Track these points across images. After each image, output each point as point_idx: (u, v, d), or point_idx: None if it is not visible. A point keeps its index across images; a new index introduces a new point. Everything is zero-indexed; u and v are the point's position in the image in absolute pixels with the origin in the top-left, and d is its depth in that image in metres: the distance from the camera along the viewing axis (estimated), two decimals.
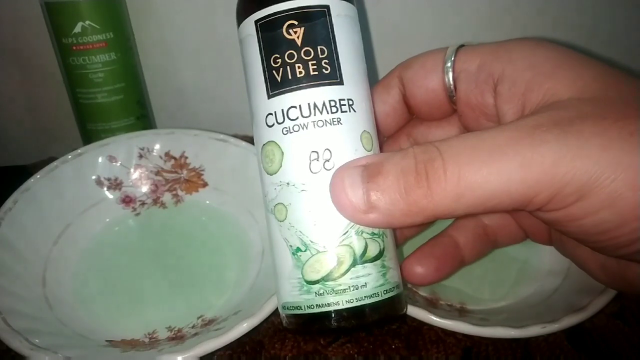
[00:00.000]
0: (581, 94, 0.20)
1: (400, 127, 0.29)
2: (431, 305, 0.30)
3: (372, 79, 0.26)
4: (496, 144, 0.19)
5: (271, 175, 0.23)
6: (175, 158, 0.38)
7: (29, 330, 0.27)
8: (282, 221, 0.23)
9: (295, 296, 0.23)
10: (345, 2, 0.24)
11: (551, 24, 0.45)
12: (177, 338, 0.29)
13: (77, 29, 0.38)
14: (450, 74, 0.25)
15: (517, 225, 0.29)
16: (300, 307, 0.23)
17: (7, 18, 0.44)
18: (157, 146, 0.38)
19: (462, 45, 0.25)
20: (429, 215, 0.20)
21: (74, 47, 0.38)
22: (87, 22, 0.38)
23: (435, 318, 0.26)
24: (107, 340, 0.29)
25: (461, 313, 0.29)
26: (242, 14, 0.24)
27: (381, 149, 0.26)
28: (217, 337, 0.26)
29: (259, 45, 0.23)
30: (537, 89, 0.21)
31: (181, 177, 0.38)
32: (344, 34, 0.24)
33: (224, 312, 0.30)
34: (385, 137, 0.30)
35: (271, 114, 0.23)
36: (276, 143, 0.23)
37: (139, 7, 0.43)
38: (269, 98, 0.23)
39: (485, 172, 0.18)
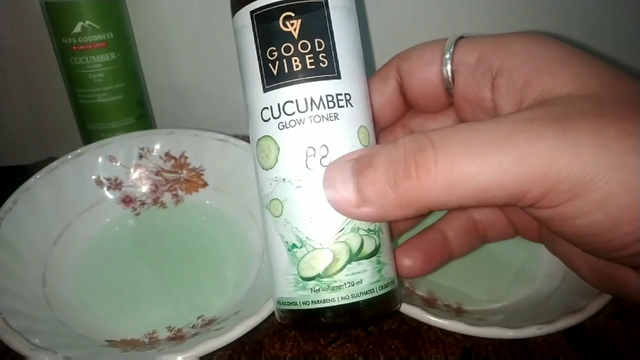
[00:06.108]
0: (580, 91, 0.19)
1: (397, 119, 0.29)
2: (428, 305, 0.30)
3: (370, 72, 0.25)
4: (491, 135, 0.18)
5: (267, 170, 0.23)
6: (175, 158, 0.38)
7: (29, 330, 0.27)
8: (278, 217, 0.23)
9: (290, 292, 0.23)
10: None
11: (551, 19, 0.44)
12: (177, 338, 0.29)
13: (77, 29, 0.38)
14: (449, 66, 0.24)
15: (508, 221, 0.29)
16: (296, 303, 0.23)
17: (7, 18, 0.44)
18: (157, 146, 0.38)
19: (461, 37, 0.25)
20: (421, 206, 0.19)
21: (74, 47, 0.38)
22: (87, 22, 0.38)
23: (432, 317, 0.26)
24: (107, 340, 0.29)
25: (458, 313, 0.29)
26: (237, 3, 0.24)
27: (377, 142, 0.26)
28: (217, 337, 0.26)
29: (255, 37, 0.23)
30: (535, 83, 0.21)
31: (181, 177, 0.38)
32: (342, 26, 0.23)
33: (224, 312, 0.30)
34: (380, 130, 0.29)
35: (267, 108, 0.23)
36: (272, 138, 0.23)
37: (139, 7, 0.43)
38: (264, 92, 0.23)
39: (479, 163, 0.18)
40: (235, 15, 0.24)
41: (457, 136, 0.19)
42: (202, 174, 0.38)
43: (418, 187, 0.19)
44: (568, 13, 0.44)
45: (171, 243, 0.36)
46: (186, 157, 0.38)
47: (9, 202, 0.33)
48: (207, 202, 0.38)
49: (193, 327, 0.30)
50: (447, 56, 0.24)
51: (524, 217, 0.27)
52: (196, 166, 0.38)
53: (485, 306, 0.30)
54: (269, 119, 0.23)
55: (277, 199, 0.23)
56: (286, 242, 0.23)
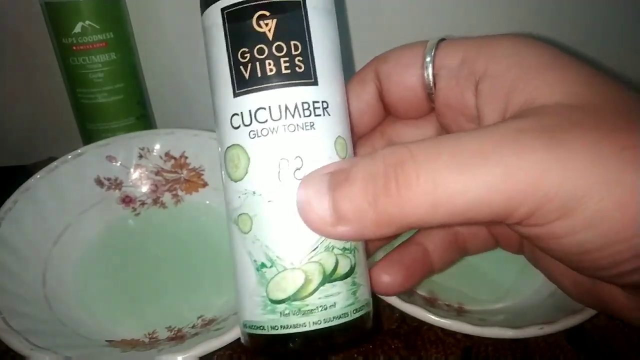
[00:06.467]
0: (569, 99, 0.18)
1: (376, 126, 0.27)
2: (429, 304, 0.30)
3: (349, 78, 0.24)
4: (477, 147, 0.17)
5: (235, 182, 0.21)
6: (175, 158, 0.38)
7: (29, 330, 0.27)
8: (247, 233, 0.21)
9: (258, 315, 0.21)
10: None
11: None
12: (177, 338, 0.29)
13: (77, 29, 0.38)
14: (430, 70, 0.23)
15: (489, 233, 0.27)
16: (263, 327, 0.21)
17: (7, 18, 0.44)
18: (157, 146, 0.38)
19: (442, 39, 0.23)
20: (403, 225, 0.18)
21: (74, 47, 0.38)
22: (87, 22, 0.38)
23: (434, 317, 0.26)
24: (107, 340, 0.29)
25: (459, 313, 0.29)
26: None
27: (355, 152, 0.24)
28: (217, 337, 0.26)
29: (225, 37, 0.21)
30: (520, 89, 0.19)
31: (181, 177, 0.38)
32: (320, 28, 0.21)
33: (224, 312, 0.30)
34: (358, 138, 0.27)
35: (237, 114, 0.21)
36: (242, 147, 0.21)
37: (139, 7, 0.43)
38: (234, 97, 0.21)
39: (464, 179, 0.16)
40: (205, 12, 0.22)
41: (439, 148, 0.17)
42: (202, 174, 0.38)
43: (398, 205, 0.17)
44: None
45: (171, 243, 0.36)
46: (186, 157, 0.38)
47: (9, 202, 0.33)
48: (207, 202, 0.38)
49: (193, 327, 0.30)
50: (429, 59, 0.23)
51: (505, 230, 0.25)
52: (196, 166, 0.38)
53: (487, 306, 0.30)
54: (239, 126, 0.21)
55: (245, 213, 0.21)
56: (254, 260, 0.21)
